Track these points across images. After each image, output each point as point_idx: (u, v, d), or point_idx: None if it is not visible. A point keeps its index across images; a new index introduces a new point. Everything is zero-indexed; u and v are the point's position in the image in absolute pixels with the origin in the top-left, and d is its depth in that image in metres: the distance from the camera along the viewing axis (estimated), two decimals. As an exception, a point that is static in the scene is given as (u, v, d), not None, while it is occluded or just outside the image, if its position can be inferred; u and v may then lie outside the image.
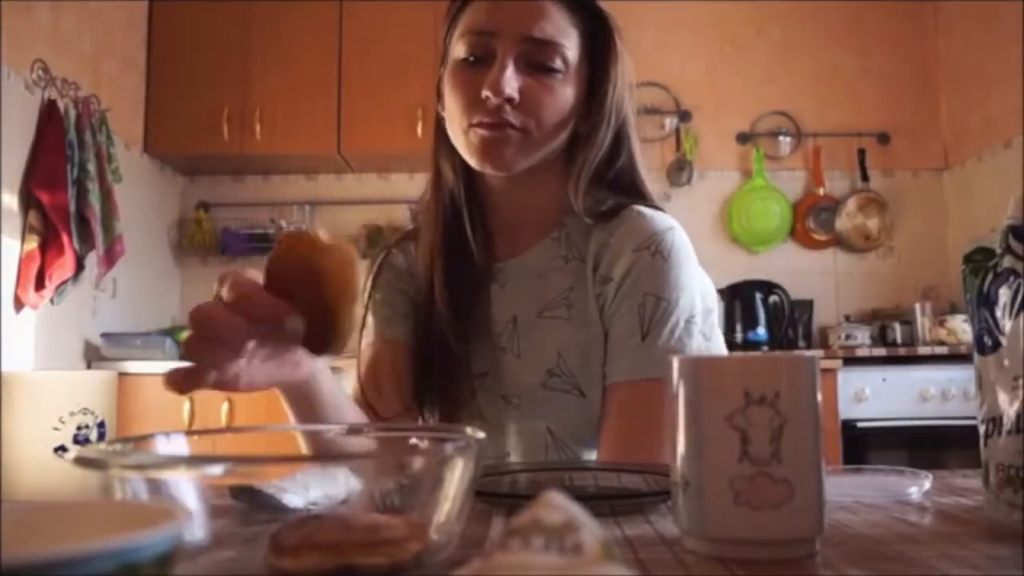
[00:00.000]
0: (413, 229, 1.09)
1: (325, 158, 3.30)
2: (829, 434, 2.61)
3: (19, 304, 2.47)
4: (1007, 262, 0.53)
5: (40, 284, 2.49)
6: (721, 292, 3.23)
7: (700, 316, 0.90)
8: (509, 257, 1.00)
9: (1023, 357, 0.51)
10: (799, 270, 3.45)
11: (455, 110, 0.91)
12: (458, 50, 0.91)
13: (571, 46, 0.91)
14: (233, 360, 0.66)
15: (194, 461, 0.48)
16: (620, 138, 0.97)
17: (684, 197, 3.48)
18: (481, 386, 0.98)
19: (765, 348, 3.16)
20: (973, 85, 3.29)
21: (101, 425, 0.74)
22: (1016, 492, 0.51)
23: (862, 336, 3.13)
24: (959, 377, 2.73)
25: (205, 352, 0.66)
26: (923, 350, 2.94)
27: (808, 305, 3.36)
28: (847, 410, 2.73)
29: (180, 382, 0.65)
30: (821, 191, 3.48)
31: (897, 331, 3.18)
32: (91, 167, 2.62)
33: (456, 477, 0.45)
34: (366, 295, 1.03)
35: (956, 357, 2.83)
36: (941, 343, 3.00)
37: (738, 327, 3.20)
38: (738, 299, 3.21)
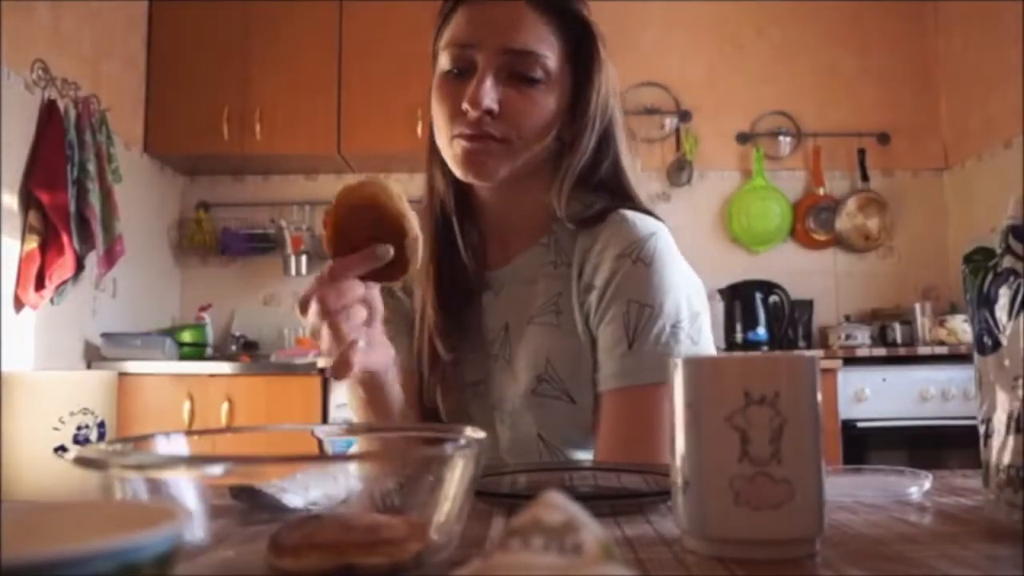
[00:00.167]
0: None
1: (325, 158, 3.30)
2: (829, 434, 2.61)
3: (19, 304, 2.47)
4: (1007, 262, 0.53)
5: (40, 284, 2.49)
6: (721, 292, 3.24)
7: (687, 320, 0.90)
8: (502, 264, 1.01)
9: (1023, 357, 0.51)
10: (799, 270, 3.45)
11: (440, 121, 0.93)
12: (443, 62, 0.93)
13: (552, 55, 0.91)
14: (356, 340, 0.76)
15: (194, 461, 0.48)
16: (605, 142, 0.97)
17: (684, 197, 3.48)
18: (475, 394, 1.00)
19: (765, 348, 3.16)
20: (973, 85, 3.29)
21: (101, 425, 0.74)
22: (1016, 492, 0.51)
23: (862, 336, 3.13)
24: (959, 377, 2.73)
25: (339, 334, 0.75)
26: (923, 350, 2.93)
27: (808, 305, 3.36)
28: (847, 410, 2.73)
29: (341, 369, 0.75)
30: (821, 191, 3.48)
31: (897, 331, 3.18)
32: (91, 167, 2.62)
33: (456, 477, 0.45)
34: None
35: (956, 357, 2.83)
36: (941, 343, 3.00)
37: (738, 327, 3.20)
38: (738, 299, 3.21)
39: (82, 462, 0.41)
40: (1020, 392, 0.51)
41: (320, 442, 0.61)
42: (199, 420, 2.70)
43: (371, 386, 0.88)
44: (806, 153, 3.53)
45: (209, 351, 3.21)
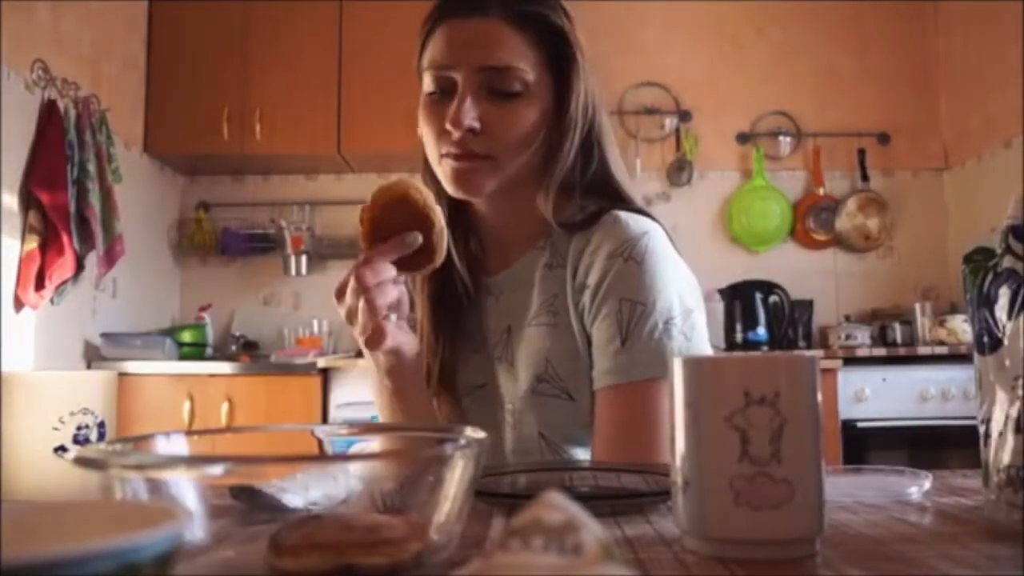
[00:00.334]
0: None
1: (325, 158, 3.30)
2: (829, 434, 2.61)
3: (19, 304, 2.47)
4: (1007, 262, 0.53)
5: (40, 284, 2.49)
6: (721, 292, 3.24)
7: (679, 317, 0.90)
8: (502, 269, 1.03)
9: (1023, 357, 0.51)
10: (799, 270, 3.45)
11: (428, 142, 0.97)
12: (426, 83, 0.96)
13: (529, 68, 0.93)
14: (389, 314, 0.84)
15: (194, 461, 0.48)
16: (590, 145, 0.98)
17: (684, 197, 3.48)
18: (478, 397, 1.02)
19: (765, 348, 3.16)
20: (973, 85, 3.29)
21: (101, 425, 0.74)
22: (1016, 492, 0.51)
23: (862, 336, 3.12)
24: (959, 377, 2.73)
25: (374, 308, 0.82)
26: (923, 350, 2.93)
27: (808, 305, 3.36)
28: (847, 410, 2.73)
29: (376, 338, 0.83)
30: (821, 191, 3.48)
31: (897, 331, 3.18)
32: (91, 167, 2.62)
33: (456, 477, 0.45)
34: None
35: (956, 357, 2.83)
36: (941, 343, 3.00)
37: (738, 327, 3.19)
38: (738, 299, 3.21)
39: (82, 462, 0.41)
40: (1020, 392, 0.51)
41: (320, 442, 0.61)
42: (199, 420, 2.70)
43: (398, 374, 0.92)
44: (806, 153, 3.53)
45: (209, 351, 3.21)
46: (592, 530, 0.32)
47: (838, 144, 3.49)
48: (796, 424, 0.46)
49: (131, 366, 2.74)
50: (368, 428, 0.87)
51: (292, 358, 2.95)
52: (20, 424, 0.71)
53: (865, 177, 3.45)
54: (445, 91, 0.93)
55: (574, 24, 0.96)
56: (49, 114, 2.56)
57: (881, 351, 2.95)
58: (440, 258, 0.86)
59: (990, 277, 0.54)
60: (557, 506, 0.33)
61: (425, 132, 0.97)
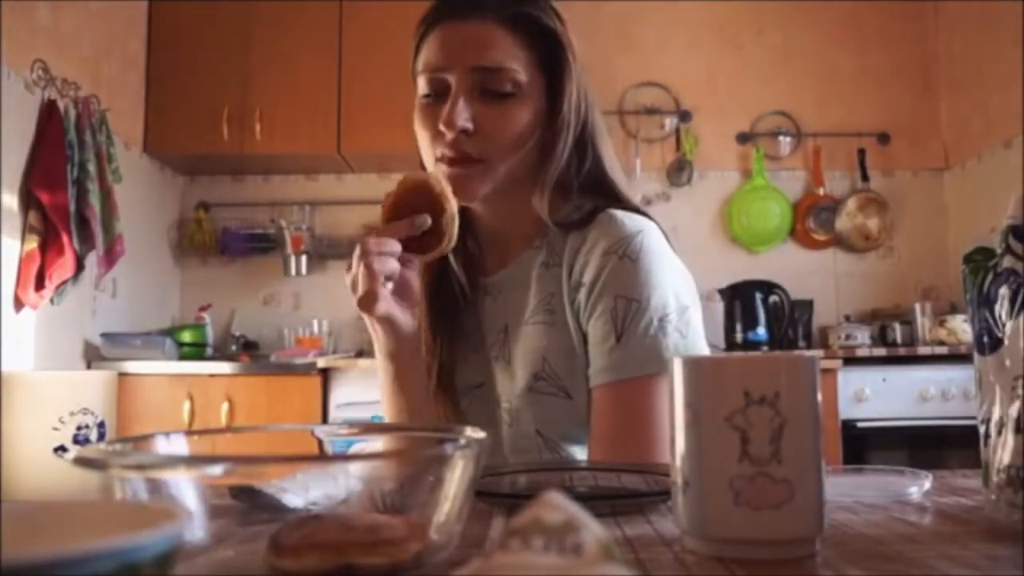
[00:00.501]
0: None
1: (325, 158, 3.30)
2: (829, 434, 2.61)
3: (19, 304, 2.47)
4: (1007, 262, 0.53)
5: (40, 284, 2.49)
6: (721, 292, 3.23)
7: (674, 314, 0.91)
8: (500, 269, 1.04)
9: (1023, 357, 0.51)
10: (799, 270, 3.45)
11: (424, 145, 0.98)
12: (420, 87, 0.97)
13: (521, 68, 0.94)
14: (385, 284, 0.88)
15: (194, 461, 0.48)
16: (584, 144, 0.99)
17: (684, 197, 3.48)
18: (477, 396, 1.03)
19: (765, 348, 3.16)
20: (973, 85, 3.29)
21: (101, 425, 0.74)
22: (1016, 492, 0.51)
23: (862, 336, 3.12)
24: (959, 377, 2.72)
25: (371, 271, 0.86)
26: (923, 350, 2.93)
27: (808, 305, 3.35)
28: (847, 410, 2.73)
29: (368, 299, 0.86)
30: (821, 191, 3.48)
31: (897, 331, 3.17)
32: (91, 167, 2.62)
33: (456, 477, 0.45)
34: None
35: (956, 357, 2.83)
36: (941, 343, 3.00)
37: (738, 327, 3.19)
38: (738, 299, 3.21)
39: (82, 462, 0.41)
40: (1020, 392, 0.51)
41: (320, 442, 0.62)
42: (199, 420, 2.70)
43: (397, 354, 0.94)
44: (806, 153, 3.53)
45: (209, 351, 3.21)
46: (592, 530, 0.32)
47: (838, 144, 3.49)
48: (796, 424, 0.46)
49: (131, 366, 2.73)
50: (368, 428, 0.87)
51: (292, 358, 2.95)
52: (20, 424, 0.71)
53: (865, 177, 3.45)
54: (439, 94, 0.95)
55: (566, 26, 0.97)
56: (49, 114, 2.56)
57: (881, 351, 2.95)
58: (449, 243, 0.90)
59: (990, 277, 0.54)
60: (557, 506, 0.33)
61: (420, 135, 0.98)
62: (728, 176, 3.54)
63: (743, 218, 3.47)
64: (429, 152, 0.97)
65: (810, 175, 3.52)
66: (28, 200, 2.49)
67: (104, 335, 2.84)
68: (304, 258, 3.36)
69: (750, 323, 3.18)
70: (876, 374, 2.78)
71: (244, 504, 0.50)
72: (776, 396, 0.46)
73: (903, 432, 2.71)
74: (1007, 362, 0.52)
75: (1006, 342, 0.53)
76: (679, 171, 3.48)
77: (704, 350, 0.95)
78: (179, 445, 0.54)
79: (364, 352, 3.20)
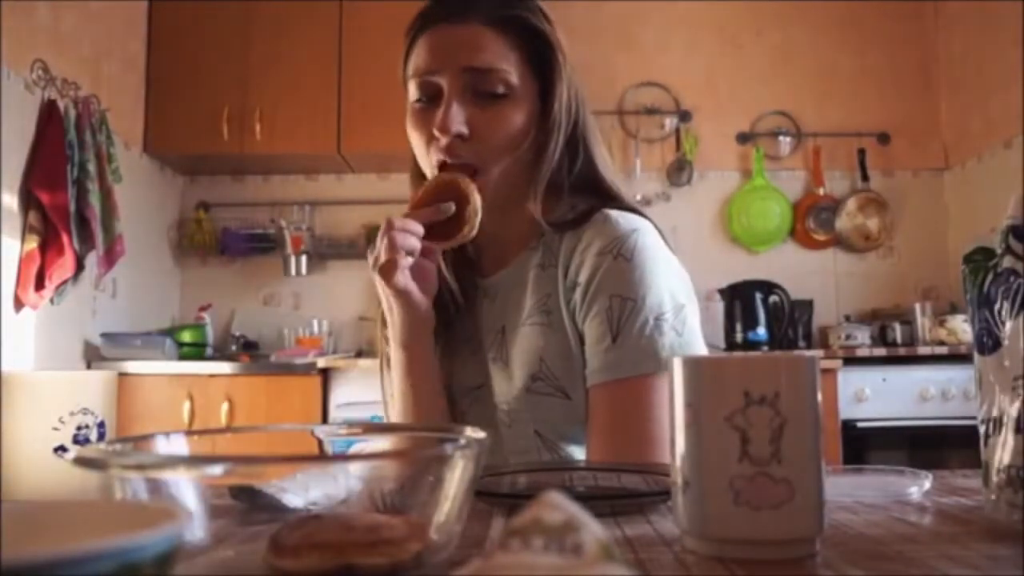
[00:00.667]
0: None
1: (325, 158, 3.30)
2: (829, 434, 2.61)
3: (19, 304, 2.47)
4: (1007, 262, 0.53)
5: (40, 284, 2.49)
6: (721, 292, 3.23)
7: (670, 312, 0.91)
8: (497, 271, 1.04)
9: (1023, 357, 0.51)
10: (799, 270, 3.45)
11: (419, 151, 0.98)
12: (411, 92, 0.97)
13: (512, 69, 0.94)
14: (405, 260, 0.90)
15: (194, 461, 0.48)
16: (575, 144, 0.99)
17: (684, 197, 3.48)
18: (477, 398, 1.03)
19: (765, 348, 3.16)
20: (973, 85, 3.29)
21: (101, 425, 0.73)
22: (1016, 492, 0.51)
23: (862, 336, 3.12)
24: (959, 377, 2.72)
25: (394, 244, 0.88)
26: (923, 350, 2.93)
27: (808, 305, 3.35)
28: (847, 410, 2.73)
29: (388, 268, 0.89)
30: (821, 191, 3.48)
31: (897, 331, 3.17)
32: (91, 167, 2.62)
33: (456, 477, 0.45)
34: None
35: (956, 357, 2.83)
36: (941, 343, 3.00)
37: (738, 327, 3.19)
38: (738, 299, 3.21)
39: (82, 462, 0.41)
40: (1020, 392, 0.51)
41: (320, 442, 0.61)
42: (199, 420, 2.70)
43: (410, 344, 0.95)
44: (806, 153, 3.53)
45: (209, 351, 3.21)
46: (592, 530, 0.32)
47: (838, 144, 3.49)
48: (796, 424, 0.46)
49: (131, 366, 2.73)
50: (368, 428, 0.87)
51: (292, 358, 2.95)
52: (20, 424, 0.71)
53: (865, 177, 3.45)
54: (431, 98, 0.94)
55: (554, 26, 0.97)
56: (49, 114, 2.56)
57: (881, 351, 2.95)
58: (470, 232, 0.92)
59: (990, 277, 0.54)
60: (557, 506, 0.33)
61: (414, 140, 0.98)
62: (728, 176, 3.54)
63: (743, 218, 3.47)
64: (424, 157, 0.97)
65: (810, 175, 3.52)
66: (28, 200, 2.49)
67: (104, 335, 2.84)
68: (304, 258, 3.36)
69: (750, 323, 3.18)
70: (876, 374, 2.78)
71: (244, 504, 0.50)
72: (776, 396, 0.46)
73: (903, 432, 2.71)
74: (1007, 362, 0.52)
75: (1006, 342, 0.53)
76: (679, 171, 3.48)
77: (701, 349, 0.95)
78: (179, 445, 0.54)
79: (364, 352, 3.20)
